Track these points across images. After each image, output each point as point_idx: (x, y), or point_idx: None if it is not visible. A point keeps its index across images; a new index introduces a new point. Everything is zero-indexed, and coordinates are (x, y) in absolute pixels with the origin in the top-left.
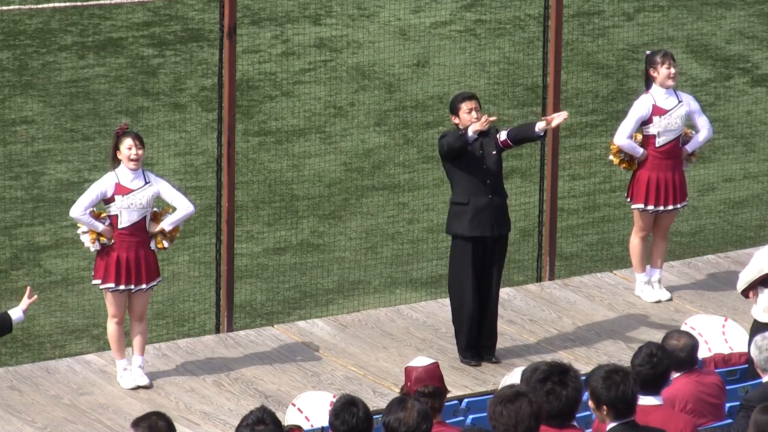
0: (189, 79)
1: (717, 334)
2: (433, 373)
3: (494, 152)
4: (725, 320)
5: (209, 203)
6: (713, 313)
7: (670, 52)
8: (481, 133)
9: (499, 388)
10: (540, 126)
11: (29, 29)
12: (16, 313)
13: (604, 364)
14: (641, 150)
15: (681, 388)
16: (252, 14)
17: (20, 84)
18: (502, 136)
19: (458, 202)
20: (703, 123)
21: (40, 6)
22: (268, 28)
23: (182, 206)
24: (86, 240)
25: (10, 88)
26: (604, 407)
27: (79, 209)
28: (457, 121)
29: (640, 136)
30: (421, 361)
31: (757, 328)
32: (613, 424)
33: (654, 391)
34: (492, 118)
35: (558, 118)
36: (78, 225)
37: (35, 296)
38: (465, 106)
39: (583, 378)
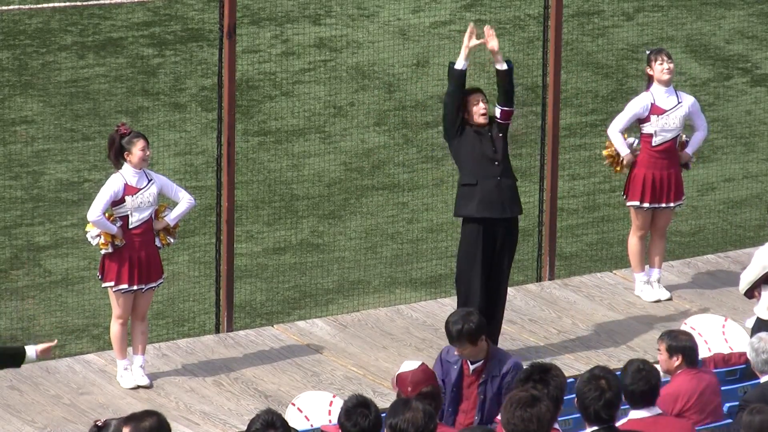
0: (189, 79)
1: (717, 334)
2: (428, 372)
3: (501, 134)
4: (725, 320)
5: (209, 203)
6: (713, 312)
7: (664, 49)
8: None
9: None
10: (496, 63)
11: (29, 29)
12: (30, 350)
13: (596, 367)
14: (627, 150)
15: (683, 384)
16: (252, 14)
17: (20, 84)
18: (497, 111)
19: (466, 183)
20: (700, 123)
21: (39, 6)
22: (268, 28)
23: (184, 199)
24: (99, 242)
25: (10, 87)
26: (581, 409)
27: (96, 212)
28: (465, 116)
29: (632, 140)
30: (410, 364)
31: (761, 326)
32: (591, 429)
33: (649, 402)
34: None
35: (490, 40)
36: (87, 229)
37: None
38: (472, 100)
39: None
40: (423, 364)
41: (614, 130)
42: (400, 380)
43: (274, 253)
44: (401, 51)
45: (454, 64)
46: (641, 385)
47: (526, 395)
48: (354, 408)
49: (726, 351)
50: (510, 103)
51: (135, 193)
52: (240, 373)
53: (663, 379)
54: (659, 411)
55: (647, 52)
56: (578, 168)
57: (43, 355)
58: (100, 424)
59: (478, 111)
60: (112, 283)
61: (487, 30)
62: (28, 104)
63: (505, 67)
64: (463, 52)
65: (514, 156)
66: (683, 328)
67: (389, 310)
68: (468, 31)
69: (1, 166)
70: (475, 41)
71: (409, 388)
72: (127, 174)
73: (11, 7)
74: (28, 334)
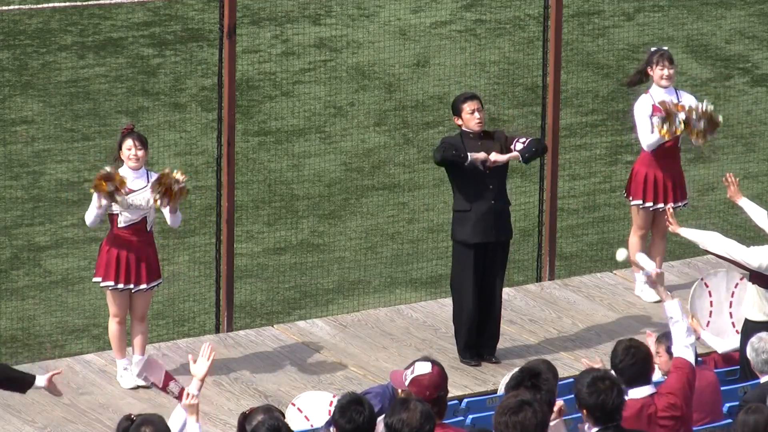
0: (189, 79)
1: (725, 300)
2: (444, 375)
3: None
4: (740, 279)
5: (209, 203)
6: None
7: (667, 53)
8: (485, 136)
9: (499, 388)
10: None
11: (29, 29)
12: (41, 381)
13: (594, 369)
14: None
15: None
16: (252, 14)
17: (20, 84)
18: (519, 144)
19: (460, 210)
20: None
21: (39, 6)
22: (268, 28)
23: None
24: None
25: (10, 88)
26: (585, 411)
27: (90, 216)
28: (459, 122)
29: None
30: (424, 366)
31: (754, 327)
32: (594, 429)
33: (644, 381)
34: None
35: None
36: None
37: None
38: (467, 107)
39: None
40: (435, 366)
41: (647, 141)
42: (416, 384)
43: (274, 253)
44: (401, 51)
45: (466, 156)
46: (628, 359)
47: (514, 401)
48: (348, 405)
49: (725, 323)
50: (527, 160)
51: (127, 194)
52: (240, 373)
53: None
54: (653, 389)
55: (652, 50)
56: (578, 168)
57: (51, 386)
58: (133, 417)
59: (473, 119)
60: (99, 279)
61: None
62: (28, 104)
63: (523, 159)
64: (481, 156)
65: None
66: (700, 284)
67: (389, 310)
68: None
69: (1, 166)
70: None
71: (427, 393)
72: (124, 174)
73: (11, 7)
74: (28, 334)
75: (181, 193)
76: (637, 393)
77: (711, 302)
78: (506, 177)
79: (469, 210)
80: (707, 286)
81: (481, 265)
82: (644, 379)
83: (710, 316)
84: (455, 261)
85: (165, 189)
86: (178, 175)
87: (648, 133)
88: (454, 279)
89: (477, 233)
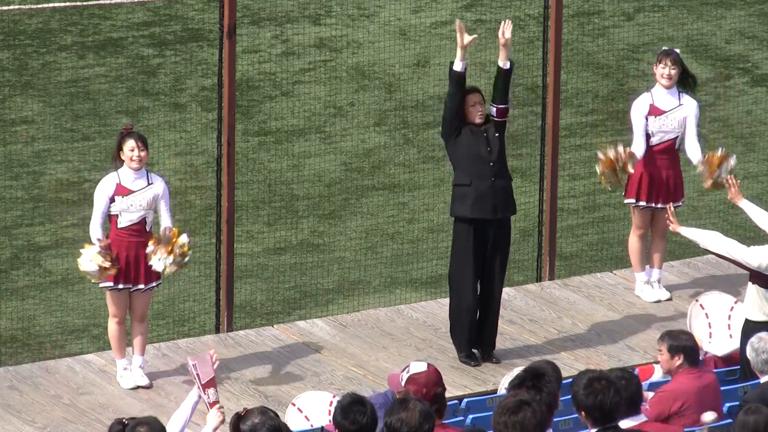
0: (189, 79)
1: (723, 316)
2: (438, 373)
3: (497, 134)
4: (735, 302)
5: (209, 203)
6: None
7: (672, 52)
8: (484, 123)
9: (499, 388)
10: (501, 59)
11: (29, 29)
12: None
13: (590, 370)
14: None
15: (684, 383)
16: (252, 14)
17: (20, 84)
18: (493, 110)
19: (460, 184)
20: (691, 138)
21: (39, 6)
22: (268, 28)
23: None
24: (91, 266)
25: (10, 88)
26: (583, 413)
27: (95, 227)
28: (462, 115)
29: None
30: (419, 365)
31: (754, 327)
32: (593, 430)
33: (633, 411)
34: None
35: (506, 30)
36: (82, 257)
37: None
38: (469, 100)
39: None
40: (431, 365)
41: (638, 148)
42: (412, 380)
43: (274, 253)
44: (401, 51)
45: (453, 64)
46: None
47: (513, 401)
48: (350, 405)
49: (726, 335)
50: (505, 101)
51: (127, 195)
52: (240, 374)
53: (664, 379)
54: (644, 418)
55: (663, 49)
56: (578, 168)
57: None
58: (126, 421)
59: (475, 111)
60: (98, 280)
61: (507, 22)
62: (28, 104)
63: (508, 66)
64: (459, 52)
65: (514, 156)
66: (695, 305)
67: (389, 310)
68: (458, 28)
69: (1, 166)
70: (468, 37)
71: (424, 390)
72: (124, 174)
73: (11, 7)
74: (28, 334)
75: (181, 263)
76: (626, 423)
77: (709, 324)
78: (506, 155)
79: (468, 185)
80: (703, 308)
81: (482, 247)
82: (634, 408)
83: (710, 337)
84: (455, 242)
85: (169, 251)
86: (185, 248)
87: (640, 141)
88: (453, 266)
89: (477, 209)
